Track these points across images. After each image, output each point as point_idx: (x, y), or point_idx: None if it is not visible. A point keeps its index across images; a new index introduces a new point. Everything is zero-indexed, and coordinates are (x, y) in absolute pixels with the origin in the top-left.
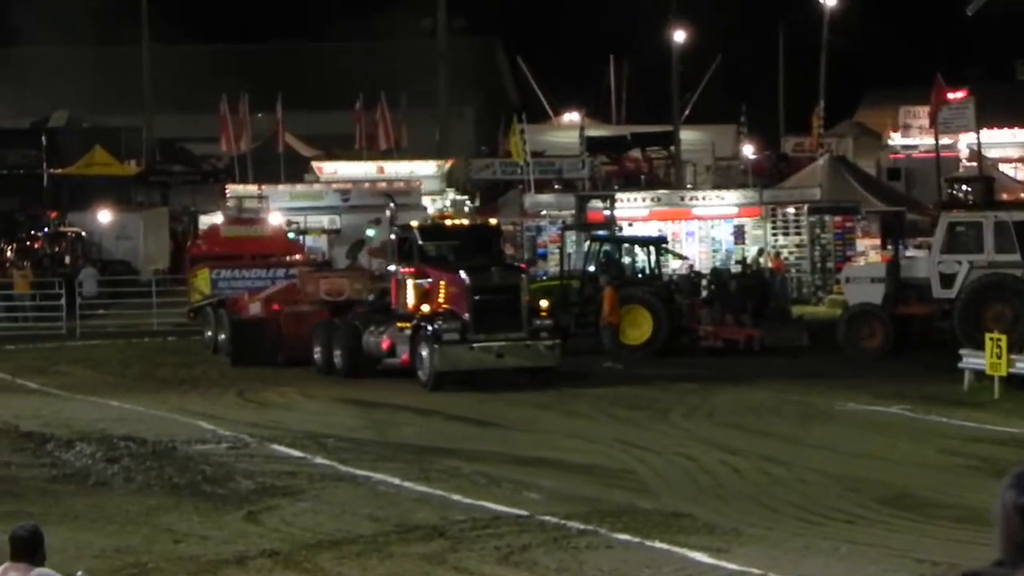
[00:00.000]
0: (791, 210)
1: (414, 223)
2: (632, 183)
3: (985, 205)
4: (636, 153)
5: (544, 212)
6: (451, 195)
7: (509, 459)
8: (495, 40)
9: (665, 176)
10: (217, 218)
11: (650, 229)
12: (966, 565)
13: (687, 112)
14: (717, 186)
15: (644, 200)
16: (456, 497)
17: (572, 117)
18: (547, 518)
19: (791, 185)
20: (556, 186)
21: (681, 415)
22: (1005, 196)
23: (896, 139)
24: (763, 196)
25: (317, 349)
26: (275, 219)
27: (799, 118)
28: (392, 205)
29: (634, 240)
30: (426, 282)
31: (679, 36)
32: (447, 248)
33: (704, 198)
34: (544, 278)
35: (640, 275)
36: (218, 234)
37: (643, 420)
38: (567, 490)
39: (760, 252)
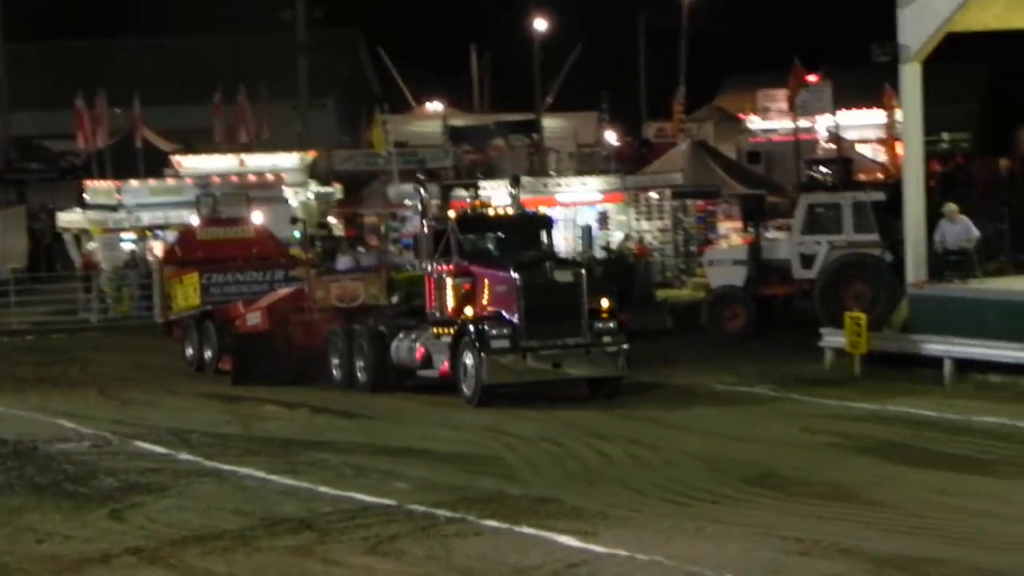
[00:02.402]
0: (654, 195)
1: (452, 213)
2: (496, 171)
3: (843, 186)
4: (499, 141)
5: (408, 202)
6: (314, 187)
7: (376, 449)
8: (356, 31)
9: (529, 164)
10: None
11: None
12: (830, 541)
13: (550, 100)
14: (580, 173)
15: (508, 188)
16: (323, 489)
17: (435, 107)
18: (415, 507)
19: (653, 170)
20: (419, 176)
21: (547, 401)
22: (863, 177)
23: (755, 123)
24: (626, 182)
25: (335, 361)
26: (257, 218)
27: (660, 104)
28: (423, 192)
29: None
30: (469, 281)
31: (540, 24)
32: (491, 241)
33: (568, 185)
34: (410, 268)
35: None
36: (194, 237)
37: (510, 407)
38: (435, 479)
39: (627, 238)
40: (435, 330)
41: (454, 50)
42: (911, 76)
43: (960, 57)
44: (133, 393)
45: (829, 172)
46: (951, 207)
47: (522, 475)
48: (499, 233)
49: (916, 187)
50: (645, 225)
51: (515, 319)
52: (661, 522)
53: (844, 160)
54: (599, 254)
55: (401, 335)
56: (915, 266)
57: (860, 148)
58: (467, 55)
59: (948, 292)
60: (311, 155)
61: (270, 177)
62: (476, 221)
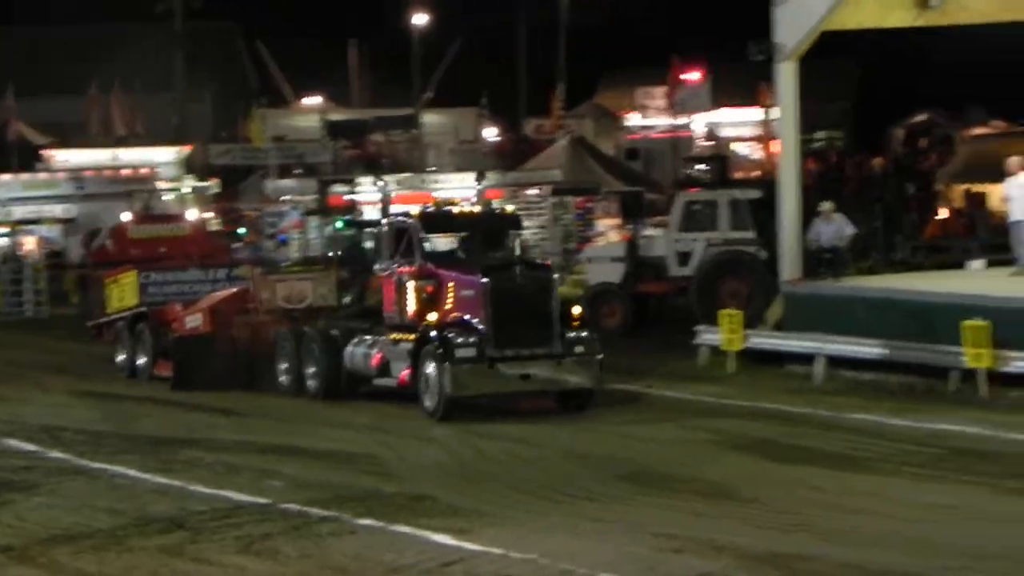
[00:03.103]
0: (533, 192)
1: (414, 211)
2: (375, 167)
3: (720, 184)
4: (378, 137)
5: (286, 197)
6: (190, 181)
7: (250, 447)
8: (233, 24)
9: (408, 159)
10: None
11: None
12: (704, 538)
13: (429, 95)
14: (460, 169)
15: (387, 184)
16: (196, 487)
17: (313, 101)
18: (289, 506)
19: (532, 167)
20: (297, 171)
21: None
22: (739, 174)
23: (634, 120)
24: (505, 178)
25: (283, 366)
26: (192, 214)
27: (540, 101)
28: (384, 187)
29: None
30: (432, 284)
31: (419, 19)
32: (454, 242)
33: (447, 181)
34: (285, 264)
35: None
36: (125, 234)
37: (386, 405)
38: (309, 477)
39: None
40: (393, 335)
41: (333, 45)
42: (787, 74)
43: (835, 55)
44: (4, 390)
45: (706, 170)
46: (827, 205)
47: (398, 473)
48: (464, 233)
49: (791, 185)
50: (524, 222)
51: (482, 326)
52: (537, 520)
53: (721, 158)
54: None
55: (356, 339)
56: (789, 264)
57: (737, 146)
58: (346, 50)
59: (821, 290)
60: (187, 149)
61: (145, 171)
62: (440, 220)
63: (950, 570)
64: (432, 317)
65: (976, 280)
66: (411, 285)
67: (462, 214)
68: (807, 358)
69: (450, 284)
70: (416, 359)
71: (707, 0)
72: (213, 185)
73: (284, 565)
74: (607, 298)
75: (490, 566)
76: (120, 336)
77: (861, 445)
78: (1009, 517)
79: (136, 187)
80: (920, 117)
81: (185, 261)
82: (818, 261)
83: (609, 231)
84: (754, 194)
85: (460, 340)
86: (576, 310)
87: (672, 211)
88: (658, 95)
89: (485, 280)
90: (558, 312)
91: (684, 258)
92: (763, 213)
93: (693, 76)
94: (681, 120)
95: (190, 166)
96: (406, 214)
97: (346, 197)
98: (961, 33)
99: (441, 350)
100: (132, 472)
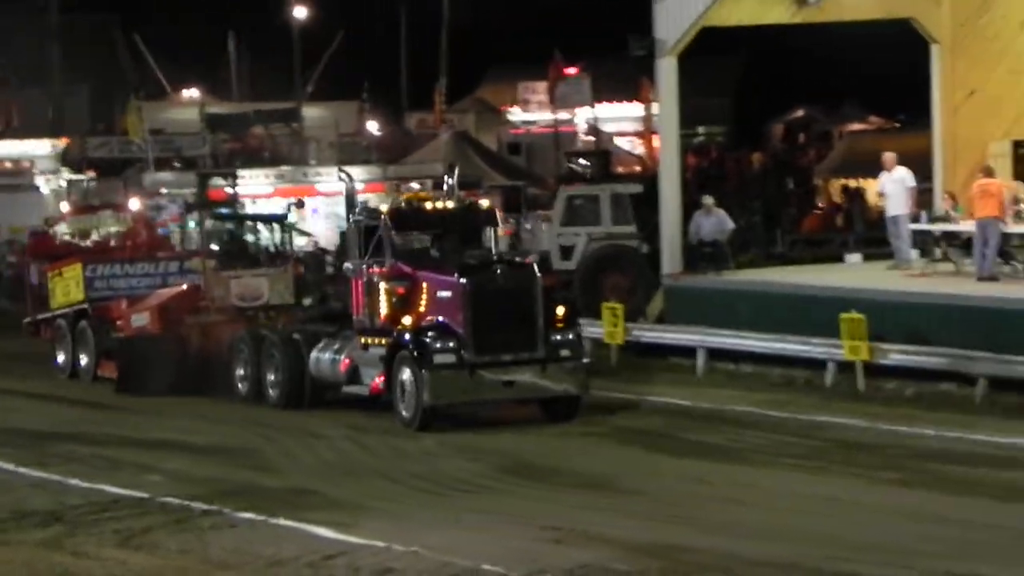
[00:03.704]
0: (415, 185)
1: (384, 207)
2: (255, 160)
3: (602, 178)
4: (259, 130)
5: (164, 191)
6: (67, 174)
7: (131, 442)
8: (111, 16)
9: (288, 153)
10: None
11: (276, 206)
12: (585, 529)
13: (310, 89)
14: (341, 162)
15: (267, 177)
16: (74, 481)
17: (191, 94)
18: (169, 500)
19: (415, 161)
20: (176, 164)
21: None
22: (621, 169)
23: (516, 114)
24: (387, 172)
25: (240, 372)
26: (134, 204)
27: (422, 95)
28: (348, 181)
29: (256, 218)
30: (405, 285)
31: (299, 12)
32: (427, 240)
33: (328, 174)
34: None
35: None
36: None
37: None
38: (190, 471)
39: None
40: (364, 340)
41: (212, 38)
42: (667, 70)
43: (715, 52)
44: None
45: (588, 164)
46: (708, 200)
47: (279, 466)
48: (438, 230)
49: (672, 180)
50: None
51: (460, 330)
52: (419, 512)
53: (603, 153)
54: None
55: (321, 344)
56: (670, 257)
57: (618, 141)
58: (225, 43)
59: (702, 283)
60: (63, 142)
61: (25, 164)
62: (412, 216)
63: (829, 559)
64: (407, 321)
65: (854, 273)
66: (383, 286)
67: (435, 210)
68: (689, 351)
69: (425, 285)
70: (390, 365)
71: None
72: (90, 178)
73: (164, 559)
74: None
75: (372, 559)
76: (60, 335)
77: (742, 437)
78: (885, 508)
79: (14, 180)
80: (798, 113)
81: (133, 253)
82: (699, 255)
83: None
84: (635, 189)
85: (438, 345)
86: (560, 310)
87: (555, 205)
88: (540, 90)
89: (463, 280)
90: (542, 314)
91: (567, 252)
92: (644, 208)
93: (574, 71)
94: (563, 115)
95: (66, 159)
96: (375, 211)
97: (227, 190)
98: (838, 31)
99: (418, 356)
100: (8, 466)
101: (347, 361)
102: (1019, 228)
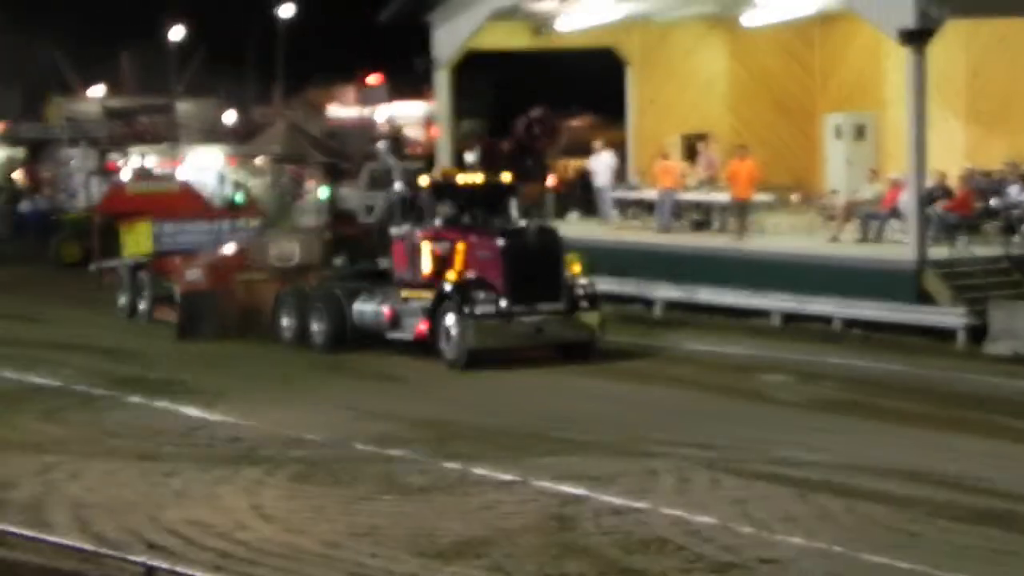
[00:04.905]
0: (259, 160)
1: (423, 180)
2: (142, 141)
3: (395, 157)
4: (144, 119)
5: (73, 162)
6: (4, 150)
7: (50, 345)
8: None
9: (166, 136)
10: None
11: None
12: (381, 410)
13: (181, 89)
14: (204, 143)
15: (151, 153)
16: (7, 374)
17: (96, 91)
18: (77, 387)
19: (259, 142)
20: (83, 143)
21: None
22: (409, 151)
23: (334, 110)
24: (239, 150)
25: (285, 323)
26: (182, 174)
27: (265, 93)
28: (391, 159)
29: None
30: (446, 245)
31: (176, 33)
32: (458, 208)
33: (196, 151)
34: (73, 212)
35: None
36: (123, 191)
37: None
38: (93, 366)
39: (237, 186)
40: (405, 293)
41: (113, 52)
42: (442, 80)
43: (477, 66)
44: None
45: (385, 147)
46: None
47: (158, 363)
48: (467, 200)
49: (446, 158)
50: (252, 182)
51: (498, 284)
52: (262, 397)
53: (396, 138)
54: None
55: (362, 297)
56: None
57: (408, 130)
58: (120, 58)
59: None
60: (2, 126)
61: None
62: (447, 188)
63: (552, 428)
64: (451, 276)
65: (574, 227)
66: (426, 247)
67: (466, 183)
68: None
69: (467, 246)
70: (435, 314)
71: (389, 27)
72: (20, 152)
73: (73, 429)
74: None
75: (226, 431)
76: (122, 282)
77: None
78: (593, 392)
79: None
80: (537, 112)
81: (193, 212)
82: None
83: (315, 190)
84: (419, 165)
85: (481, 296)
86: (576, 268)
87: (360, 176)
88: (351, 92)
89: (503, 241)
90: (564, 271)
91: (369, 210)
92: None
93: (375, 79)
94: (367, 111)
95: (4, 138)
96: (416, 184)
97: (119, 163)
98: (564, 53)
99: (464, 305)
100: None
101: (390, 311)
102: (687, 196)
